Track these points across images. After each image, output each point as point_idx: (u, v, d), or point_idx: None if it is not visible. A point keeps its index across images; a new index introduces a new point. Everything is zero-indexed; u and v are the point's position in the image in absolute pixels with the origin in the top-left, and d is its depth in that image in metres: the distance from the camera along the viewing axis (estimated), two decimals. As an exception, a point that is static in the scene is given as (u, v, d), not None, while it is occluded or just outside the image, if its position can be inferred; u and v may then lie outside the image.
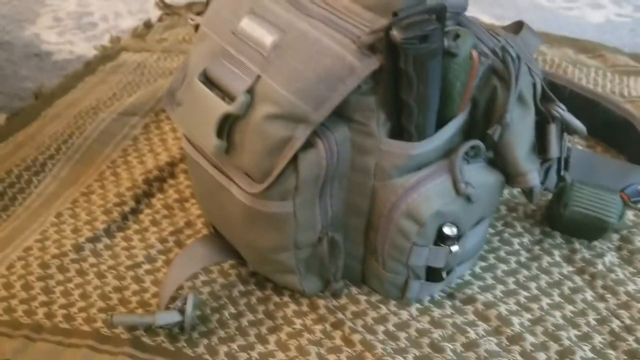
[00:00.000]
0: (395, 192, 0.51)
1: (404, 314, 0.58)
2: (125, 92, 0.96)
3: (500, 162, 0.54)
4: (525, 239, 0.67)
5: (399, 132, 0.50)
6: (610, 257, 0.64)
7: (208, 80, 0.52)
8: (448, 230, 0.52)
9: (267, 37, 0.50)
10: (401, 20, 0.44)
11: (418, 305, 0.59)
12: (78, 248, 0.66)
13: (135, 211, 0.71)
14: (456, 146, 0.53)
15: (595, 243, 0.66)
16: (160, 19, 1.21)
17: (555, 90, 0.82)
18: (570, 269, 0.63)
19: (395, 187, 0.51)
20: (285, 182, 0.50)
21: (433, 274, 0.56)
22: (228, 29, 0.53)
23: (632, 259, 0.64)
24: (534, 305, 0.59)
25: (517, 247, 0.66)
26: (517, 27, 0.57)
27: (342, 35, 0.47)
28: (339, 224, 0.56)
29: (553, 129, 0.53)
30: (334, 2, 0.50)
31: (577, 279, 0.62)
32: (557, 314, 0.58)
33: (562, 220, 0.64)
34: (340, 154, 0.51)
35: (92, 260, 0.65)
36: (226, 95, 0.51)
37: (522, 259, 0.64)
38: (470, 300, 0.59)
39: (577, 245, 0.66)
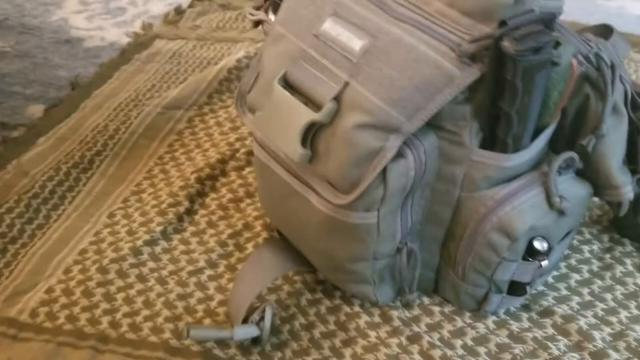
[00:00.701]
0: (485, 203, 0.49)
1: (481, 327, 0.56)
2: (164, 82, 0.93)
3: (591, 173, 0.52)
4: (595, 247, 0.65)
5: (491, 142, 0.48)
6: (685, 268, 0.62)
7: (288, 85, 0.50)
8: (539, 245, 0.50)
9: (355, 42, 0.47)
10: (513, 31, 0.41)
11: (494, 318, 0.57)
12: (136, 252, 0.64)
13: (190, 212, 0.69)
14: (543, 156, 0.51)
15: (668, 253, 0.64)
16: (191, 5, 1.18)
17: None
18: (645, 279, 0.62)
19: (484, 199, 0.49)
20: (372, 194, 0.48)
21: (516, 288, 0.54)
22: (309, 31, 0.50)
23: None
24: (613, 319, 0.58)
25: (587, 255, 0.64)
26: (605, 30, 0.55)
27: (438, 42, 0.44)
28: (416, 233, 0.54)
29: (646, 140, 0.51)
30: (425, 5, 0.47)
31: (652, 290, 0.61)
32: (638, 327, 0.57)
33: (636, 229, 0.62)
34: (428, 164, 0.48)
35: (151, 264, 0.63)
36: (309, 101, 0.48)
37: (595, 268, 0.63)
38: (548, 313, 0.58)
39: (649, 255, 0.64)
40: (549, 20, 0.43)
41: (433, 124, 0.47)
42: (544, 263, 0.51)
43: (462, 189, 0.50)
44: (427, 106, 0.45)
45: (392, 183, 0.47)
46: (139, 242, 0.65)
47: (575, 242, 0.66)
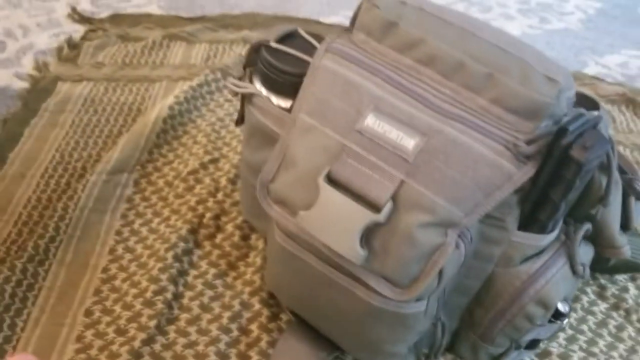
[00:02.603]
0: (520, 277, 0.53)
1: (499, 379, 0.61)
2: (87, 137, 0.84)
3: (595, 235, 0.58)
4: (559, 280, 0.73)
5: (528, 223, 0.52)
6: (633, 289, 0.72)
7: (333, 182, 0.49)
8: (562, 308, 0.55)
9: (407, 140, 0.47)
10: (578, 138, 0.44)
11: (506, 368, 0.62)
12: (136, 355, 0.58)
13: (177, 296, 0.64)
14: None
15: (616, 276, 0.74)
16: (85, 37, 1.06)
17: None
18: (606, 305, 0.70)
19: (519, 273, 0.53)
20: (428, 286, 0.49)
21: (533, 343, 0.59)
22: (350, 126, 0.49)
23: (648, 288, 0.73)
24: (595, 349, 0.65)
25: (557, 289, 0.72)
26: (588, 101, 0.61)
27: (492, 141, 0.46)
28: (444, 305, 0.56)
29: (633, 202, 0.58)
30: (468, 101, 0.48)
31: (614, 315, 0.70)
32: (615, 354, 0.65)
33: (604, 265, 0.70)
34: (471, 248, 0.51)
35: (158, 367, 0.58)
36: (361, 199, 0.48)
37: (566, 302, 0.70)
38: (545, 354, 0.64)
39: (602, 281, 0.73)
40: (597, 122, 0.47)
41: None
42: (565, 322, 0.56)
43: (497, 265, 0.53)
44: (485, 202, 0.47)
45: (447, 274, 0.49)
46: (137, 343, 0.59)
47: (543, 277, 0.73)
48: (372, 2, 0.52)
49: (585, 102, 0.61)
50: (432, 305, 0.52)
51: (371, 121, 0.49)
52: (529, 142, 0.46)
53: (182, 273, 0.67)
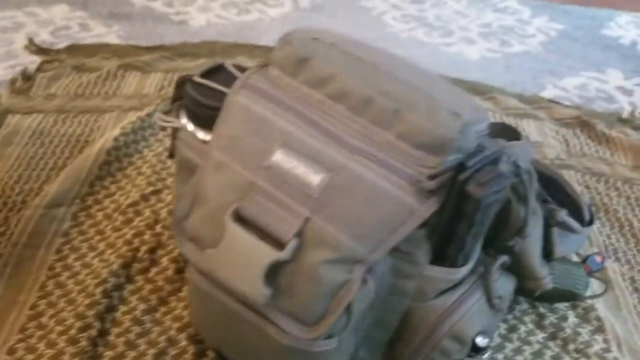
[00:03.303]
0: (435, 312, 0.53)
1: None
2: (32, 170, 0.84)
3: (515, 267, 0.57)
4: (498, 309, 0.72)
5: (441, 257, 0.51)
6: (572, 318, 0.72)
7: (241, 219, 0.49)
8: (481, 342, 0.54)
9: (312, 176, 0.47)
10: (475, 174, 0.44)
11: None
12: (55, 395, 0.57)
13: (103, 333, 0.64)
14: (477, 256, 0.55)
15: (556, 305, 0.73)
16: (40, 68, 1.06)
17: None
18: (544, 335, 0.70)
19: (435, 308, 0.53)
20: (337, 323, 0.48)
21: (457, 377, 0.58)
22: (258, 162, 0.49)
23: (588, 316, 0.72)
24: (529, 381, 0.65)
25: (494, 319, 0.71)
26: (508, 131, 0.61)
27: (397, 177, 0.46)
28: (364, 339, 0.55)
29: (556, 233, 0.58)
30: (376, 136, 0.48)
31: (552, 345, 0.69)
32: (549, 385, 0.65)
33: (533, 294, 0.70)
34: (383, 283, 0.50)
35: (76, 408, 0.57)
36: (268, 236, 0.48)
37: (503, 332, 0.70)
38: (478, 386, 0.63)
39: (541, 310, 0.73)
40: (499, 156, 0.47)
41: (389, 246, 0.49)
42: (485, 356, 0.56)
43: (412, 299, 0.53)
44: (390, 238, 0.47)
45: (356, 311, 0.49)
46: (56, 383, 0.58)
47: (481, 307, 0.72)
48: (285, 39, 0.53)
49: (508, 132, 0.61)
50: (346, 342, 0.51)
51: (279, 157, 0.49)
52: (431, 177, 0.46)
53: (111, 309, 0.66)
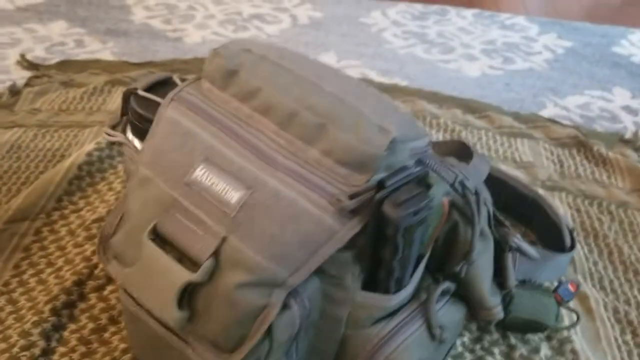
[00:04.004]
0: (371, 341, 0.49)
1: None
2: (3, 184, 0.84)
3: (465, 294, 0.54)
4: (466, 338, 0.68)
5: (373, 283, 0.48)
6: (545, 350, 0.67)
7: (160, 237, 0.47)
8: (423, 375, 0.51)
9: (231, 194, 0.45)
10: (392, 194, 0.41)
11: None
12: (-15, 416, 0.56)
13: (46, 352, 0.62)
14: (421, 282, 0.52)
15: (529, 336, 0.69)
16: (28, 83, 1.07)
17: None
18: (512, 367, 0.66)
19: (370, 337, 0.49)
20: (258, 350, 0.46)
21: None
22: (179, 178, 0.47)
23: (563, 349, 0.68)
24: (490, 416, 0.61)
25: (460, 349, 0.67)
26: (463, 149, 0.58)
27: (318, 196, 0.44)
28: (301, 367, 0.52)
29: (510, 258, 0.54)
30: (302, 153, 0.46)
31: (520, 378, 0.65)
32: (511, 422, 0.60)
33: (502, 323, 0.66)
34: (311, 307, 0.47)
35: None
36: (184, 256, 0.45)
37: (468, 363, 0.66)
38: (432, 421, 0.59)
39: (512, 341, 0.68)
40: (424, 177, 0.44)
41: (316, 269, 0.46)
42: (428, 389, 0.52)
43: (347, 327, 0.50)
44: (310, 260, 0.44)
45: (278, 336, 0.46)
46: (-11, 403, 0.56)
47: (447, 335, 0.68)
48: (216, 51, 0.51)
49: (464, 151, 0.58)
50: (274, 369, 0.48)
51: (200, 173, 0.47)
52: (351, 197, 0.43)
53: (59, 327, 0.64)
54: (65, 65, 1.14)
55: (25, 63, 1.13)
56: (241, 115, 0.49)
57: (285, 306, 0.45)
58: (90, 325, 0.65)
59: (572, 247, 0.76)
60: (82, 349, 0.63)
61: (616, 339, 0.70)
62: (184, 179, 0.47)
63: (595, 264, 0.80)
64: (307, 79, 0.48)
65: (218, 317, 0.45)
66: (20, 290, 0.69)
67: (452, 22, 1.50)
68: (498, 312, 0.54)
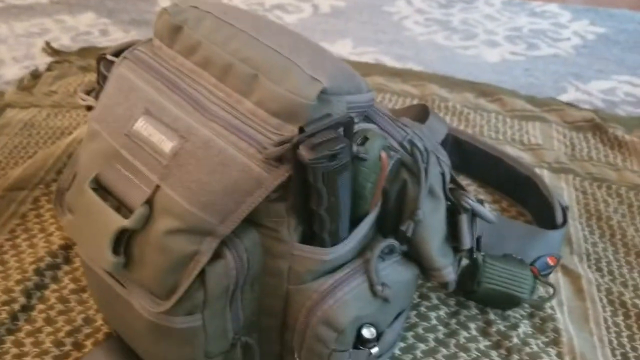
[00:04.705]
0: (310, 297, 0.49)
1: (326, 413, 0.56)
2: (11, 158, 0.88)
3: (415, 255, 0.52)
4: (442, 312, 0.67)
5: (311, 236, 0.48)
6: (524, 328, 0.65)
7: (101, 188, 0.48)
8: (367, 333, 0.50)
9: (165, 143, 0.46)
10: (308, 138, 0.41)
11: (339, 401, 0.57)
12: (-42, 363, 0.58)
13: (26, 308, 0.65)
14: (370, 241, 0.51)
15: (509, 312, 0.66)
16: (49, 68, 1.12)
17: (460, 146, 0.84)
18: (487, 343, 0.63)
19: (309, 292, 0.49)
20: (192, 298, 0.46)
21: (353, 374, 0.54)
22: (121, 130, 0.48)
23: (544, 327, 0.65)
24: (455, 389, 0.59)
25: (434, 321, 0.65)
26: (422, 112, 0.57)
27: (247, 144, 0.44)
28: (252, 326, 0.52)
29: (464, 220, 0.53)
30: (237, 104, 0.46)
31: (493, 354, 0.62)
32: (478, 396, 0.58)
33: (476, 295, 0.64)
34: (251, 260, 0.47)
35: (-24, 376, 0.58)
36: (122, 205, 0.46)
37: (440, 336, 0.64)
38: (392, 390, 0.58)
39: (491, 316, 0.66)
40: (347, 124, 0.44)
41: (253, 221, 0.47)
42: (374, 350, 0.51)
43: (289, 282, 0.49)
44: (238, 209, 0.44)
45: (212, 285, 0.46)
46: (-36, 351, 0.59)
47: (422, 308, 0.67)
48: (164, 8, 0.52)
49: (420, 113, 0.57)
50: (216, 322, 0.48)
51: (139, 125, 0.48)
52: (276, 145, 0.43)
53: (40, 287, 0.67)
54: (85, 51, 1.18)
55: (49, 50, 1.18)
56: (185, 70, 0.49)
57: (219, 256, 0.45)
58: (71, 286, 0.67)
59: (564, 223, 0.73)
60: (60, 307, 0.65)
61: (606, 320, 0.67)
62: (124, 130, 0.48)
63: (594, 245, 0.77)
64: (246, 32, 0.48)
65: (151, 264, 0.45)
66: (12, 252, 0.72)
67: (478, 10, 1.47)
68: (448, 274, 0.52)
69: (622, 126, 1.01)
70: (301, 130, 0.42)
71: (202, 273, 0.45)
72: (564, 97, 1.11)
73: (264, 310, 0.52)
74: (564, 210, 0.74)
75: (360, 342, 0.51)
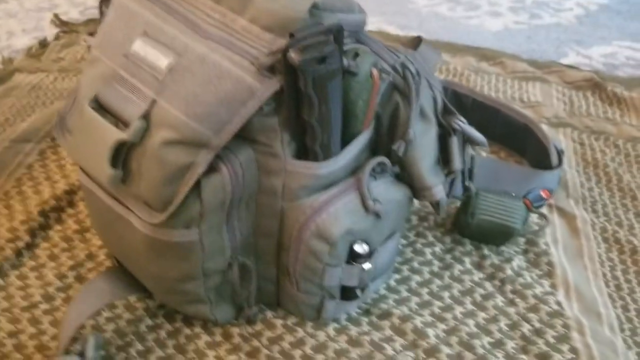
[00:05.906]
0: (304, 212, 0.50)
1: (321, 335, 0.57)
2: (18, 116, 0.90)
3: (406, 176, 0.54)
4: (437, 248, 0.68)
5: (304, 152, 0.49)
6: (518, 261, 0.66)
7: (100, 106, 0.49)
8: (359, 248, 0.51)
9: (162, 60, 0.47)
10: (298, 42, 0.42)
11: (335, 325, 0.58)
12: (-34, 291, 0.60)
13: (30, 246, 0.66)
14: (363, 163, 0.52)
15: (503, 248, 0.67)
16: (56, 37, 1.15)
17: (458, 99, 0.85)
18: (481, 275, 0.64)
19: (304, 208, 0.50)
20: (188, 210, 0.48)
21: (347, 293, 0.55)
22: (120, 52, 0.50)
23: (538, 261, 0.66)
24: (448, 315, 0.60)
25: (429, 257, 0.66)
26: (416, 42, 0.58)
27: (240, 57, 0.45)
28: (249, 247, 0.54)
29: (455, 142, 0.54)
30: (232, 23, 0.48)
31: (487, 285, 0.63)
32: (471, 322, 0.59)
33: (470, 228, 0.65)
34: (246, 177, 0.49)
35: (-18, 304, 0.59)
36: (120, 121, 0.48)
37: (435, 269, 0.65)
38: (387, 315, 0.59)
39: (486, 252, 0.67)
40: (337, 32, 0.45)
41: (247, 137, 0.48)
42: (366, 266, 0.52)
43: (283, 199, 0.51)
44: (232, 120, 0.45)
45: (208, 198, 0.47)
46: (-29, 281, 0.61)
47: (418, 245, 0.68)
48: None
49: (413, 42, 0.58)
50: (213, 237, 0.50)
51: (137, 46, 0.49)
52: (269, 54, 0.44)
53: (45, 227, 0.69)
54: (92, 22, 1.20)
55: (58, 21, 1.20)
56: None
57: (214, 169, 0.47)
58: (74, 227, 0.69)
59: (559, 165, 0.74)
60: (64, 245, 0.67)
61: (600, 255, 0.68)
62: (122, 51, 0.50)
63: (590, 189, 0.77)
64: None
65: (148, 176, 0.47)
66: (18, 198, 0.74)
67: (481, -16, 1.48)
68: (438, 192, 0.53)
69: (622, 85, 1.01)
70: (291, 36, 0.43)
71: (198, 186, 0.47)
72: (564, 61, 1.12)
73: (260, 231, 0.53)
74: (559, 153, 0.75)
75: (353, 258, 0.52)
